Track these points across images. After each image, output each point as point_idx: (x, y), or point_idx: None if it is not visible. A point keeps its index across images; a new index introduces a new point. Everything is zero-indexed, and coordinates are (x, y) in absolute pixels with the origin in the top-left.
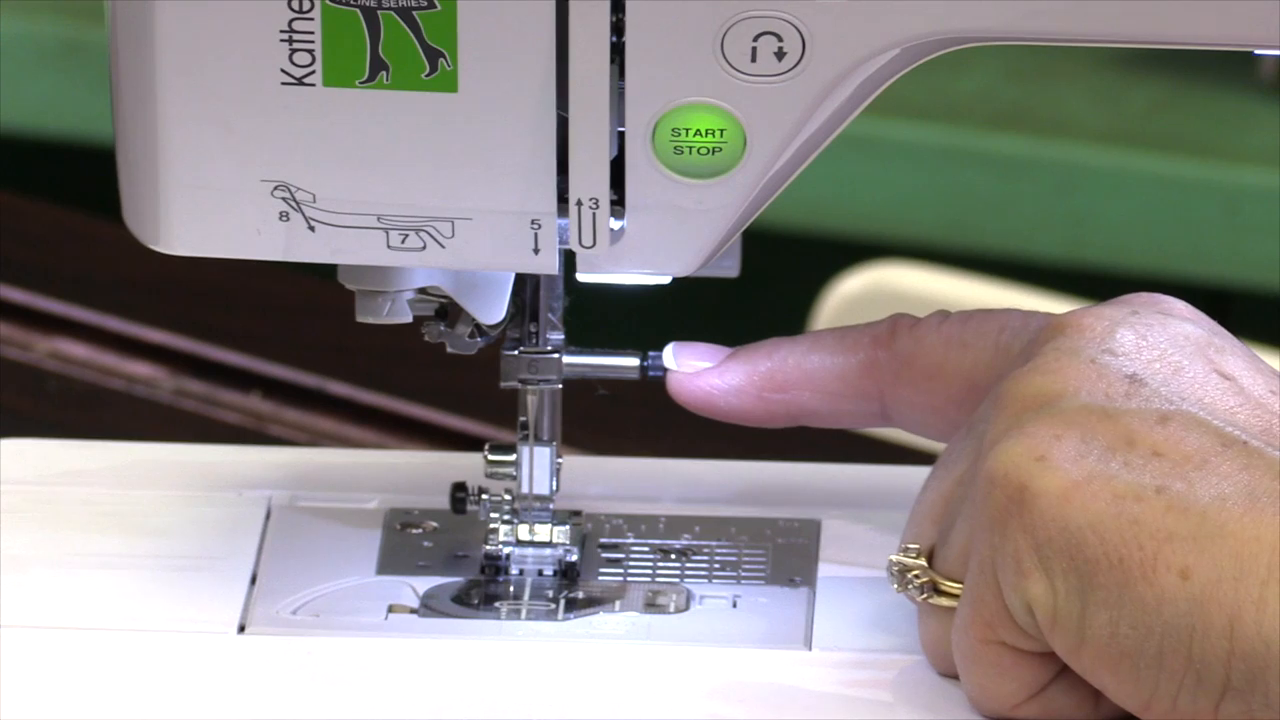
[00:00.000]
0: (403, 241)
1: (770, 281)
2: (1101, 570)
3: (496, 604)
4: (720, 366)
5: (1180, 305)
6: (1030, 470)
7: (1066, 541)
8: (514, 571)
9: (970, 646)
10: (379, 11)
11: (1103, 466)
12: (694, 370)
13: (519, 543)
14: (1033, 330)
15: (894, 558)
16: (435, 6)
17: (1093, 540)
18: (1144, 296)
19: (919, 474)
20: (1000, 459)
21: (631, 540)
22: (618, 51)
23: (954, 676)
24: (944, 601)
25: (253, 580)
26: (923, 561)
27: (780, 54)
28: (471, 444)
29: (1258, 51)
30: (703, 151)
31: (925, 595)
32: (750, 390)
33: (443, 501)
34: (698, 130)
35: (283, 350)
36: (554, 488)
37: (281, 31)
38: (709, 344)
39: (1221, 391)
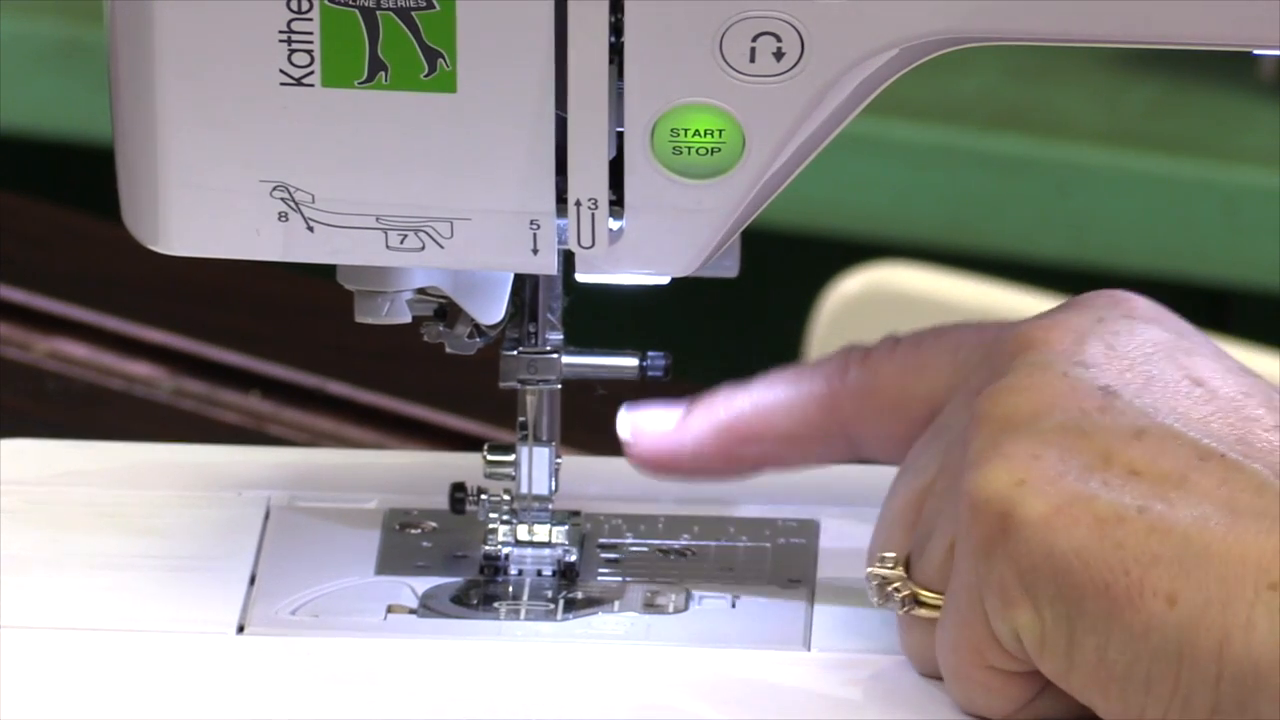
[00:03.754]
0: (401, 242)
1: (770, 281)
2: (1088, 597)
3: (495, 604)
4: (679, 428)
5: (1143, 304)
6: (1012, 497)
7: (1052, 569)
8: (513, 572)
9: (958, 667)
10: (378, 12)
11: (1082, 487)
12: (651, 435)
13: (518, 543)
14: (988, 340)
15: (872, 570)
16: (434, 7)
17: (1078, 567)
18: (1105, 297)
19: None
20: (981, 483)
21: (630, 540)
22: (616, 52)
23: (938, 677)
24: (926, 613)
25: (252, 580)
26: (902, 573)
27: (779, 54)
28: (470, 444)
29: (1258, 51)
30: (702, 152)
31: (906, 608)
32: (714, 449)
33: (442, 502)
34: (697, 130)
35: (282, 350)
36: (553, 488)
37: (280, 32)
38: (660, 403)
39: (1194, 400)
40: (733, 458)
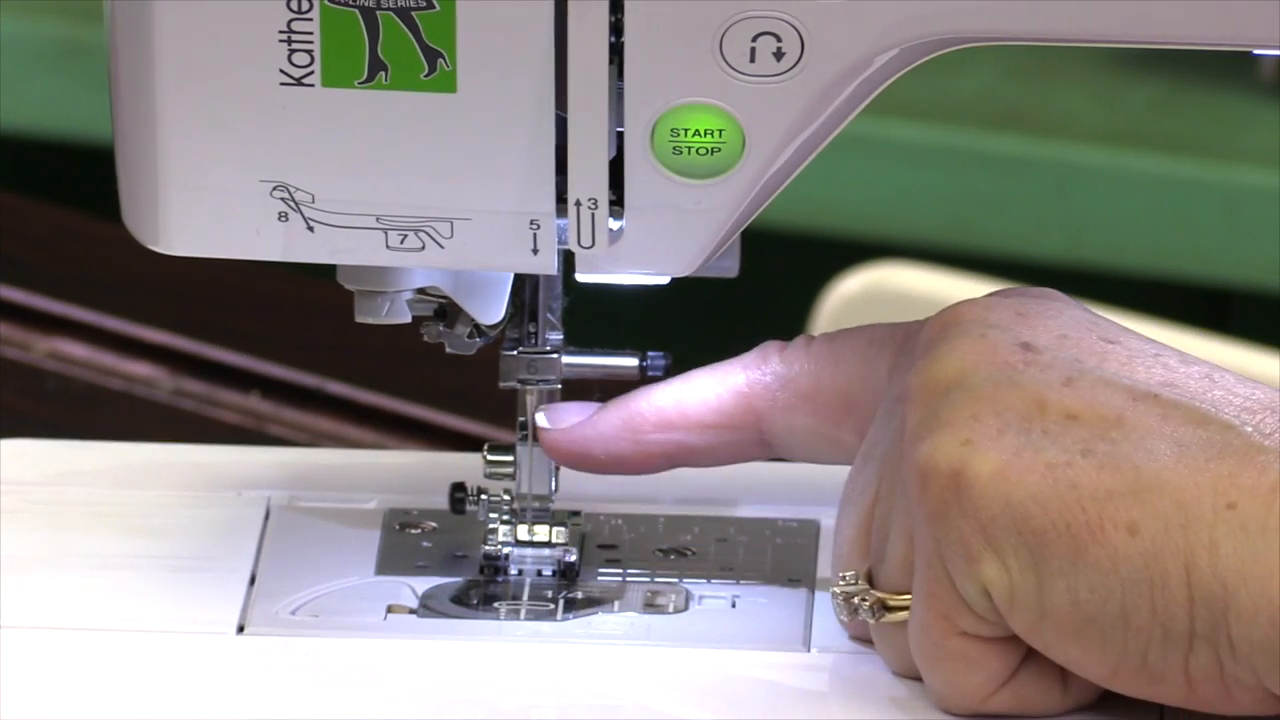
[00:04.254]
0: (402, 242)
1: (769, 281)
2: (1050, 540)
3: (495, 604)
4: (593, 417)
5: (1048, 290)
6: (960, 455)
7: (1011, 518)
8: (513, 572)
9: (932, 645)
10: (378, 12)
11: (1025, 438)
12: (565, 425)
13: (518, 543)
14: (900, 336)
15: (836, 589)
16: (434, 7)
17: (1036, 512)
18: (1012, 288)
19: None
20: (927, 452)
21: (630, 540)
22: (616, 52)
23: (919, 677)
24: (896, 616)
25: (252, 581)
26: (864, 585)
27: (779, 54)
28: (470, 444)
29: (1258, 51)
30: (702, 152)
31: (877, 616)
32: (625, 436)
33: (442, 502)
34: (697, 130)
35: (282, 350)
36: (553, 488)
37: (280, 32)
38: (579, 402)
39: (1112, 354)
40: (642, 445)
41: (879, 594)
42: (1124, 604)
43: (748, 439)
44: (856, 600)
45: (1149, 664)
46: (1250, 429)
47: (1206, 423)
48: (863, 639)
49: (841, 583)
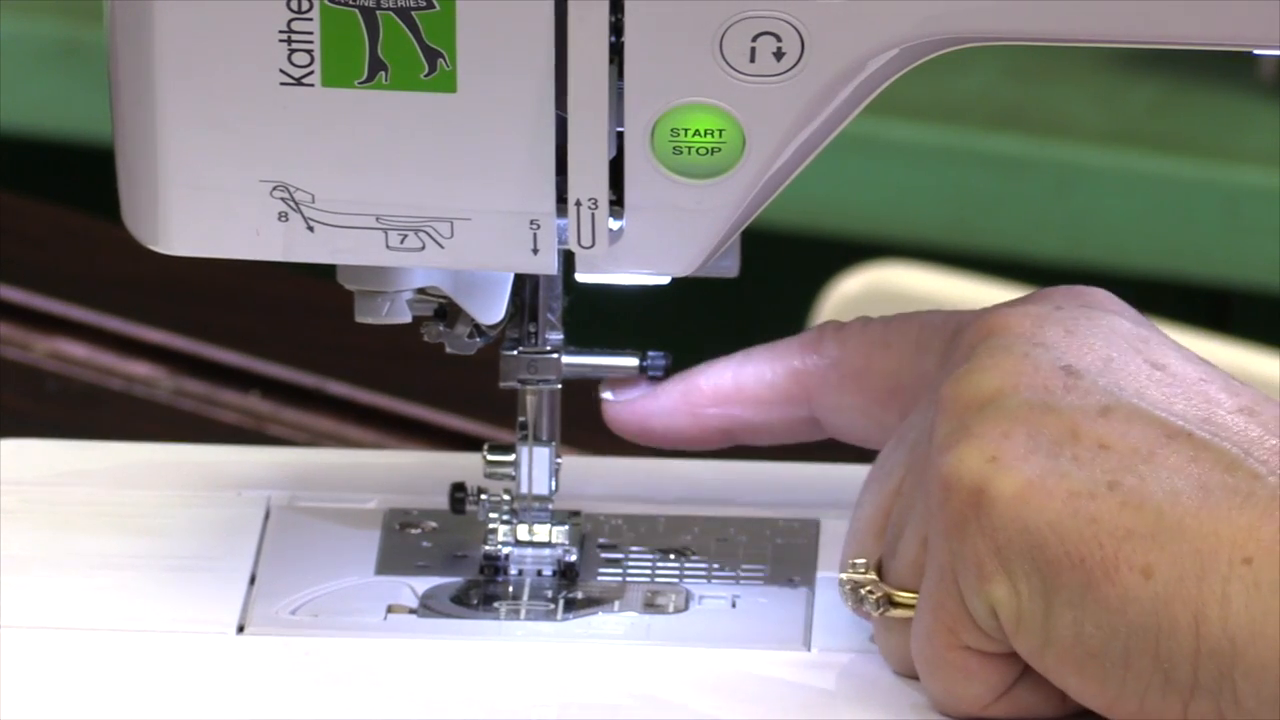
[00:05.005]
0: (402, 242)
1: (770, 281)
2: (1064, 570)
3: (495, 604)
4: (654, 391)
5: (1103, 296)
6: (985, 473)
7: (1027, 543)
8: (513, 572)
9: (934, 653)
10: (378, 12)
11: (1053, 463)
12: (626, 398)
13: (518, 543)
14: (952, 326)
15: (844, 576)
16: (434, 7)
17: (1053, 540)
18: (1066, 290)
19: None
20: (953, 464)
21: (631, 540)
22: (617, 52)
23: (916, 676)
24: (900, 613)
25: (252, 580)
26: (873, 576)
27: (779, 54)
28: (470, 444)
29: (1258, 51)
30: (702, 152)
31: (881, 610)
32: (684, 409)
33: (442, 502)
34: (697, 130)
35: (282, 350)
36: (553, 488)
37: (280, 32)
38: (644, 380)
39: (1155, 382)
40: (699, 419)
41: (887, 588)
42: (1128, 645)
43: (800, 416)
44: (864, 591)
45: (1147, 706)
46: (1276, 479)
47: (1235, 468)
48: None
49: (851, 569)
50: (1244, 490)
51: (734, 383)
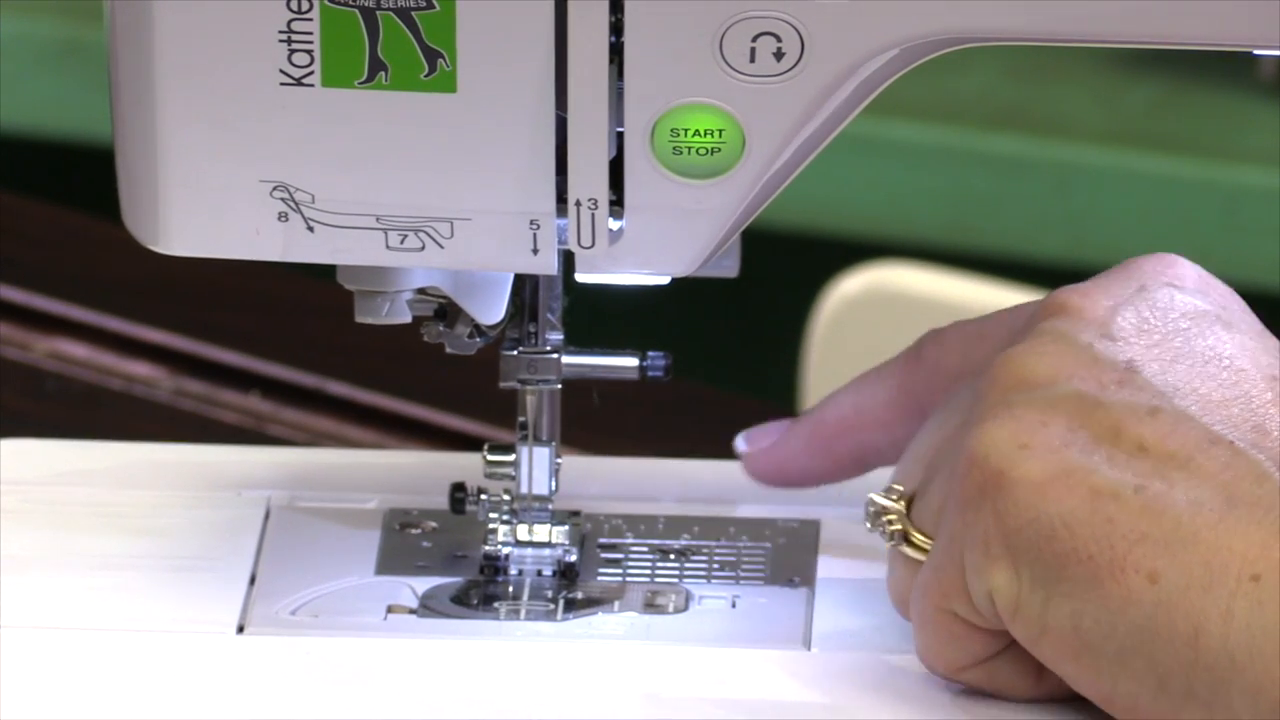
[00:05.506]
0: (402, 242)
1: (770, 281)
2: (1069, 565)
3: (495, 604)
4: (784, 435)
5: (1190, 273)
6: (1012, 457)
7: (1036, 533)
8: (513, 572)
9: (925, 610)
10: (378, 12)
11: (1085, 459)
12: (760, 446)
13: (518, 543)
14: (1035, 308)
15: (873, 496)
16: (434, 7)
17: (1064, 534)
18: (1154, 262)
19: None
20: (984, 440)
21: (630, 540)
22: (616, 52)
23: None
24: (912, 552)
25: (252, 580)
26: (901, 507)
27: (779, 54)
28: (470, 444)
29: (1258, 51)
30: (702, 152)
31: (895, 542)
32: (816, 447)
33: (442, 502)
34: (697, 130)
35: (282, 350)
36: (553, 488)
37: (280, 32)
38: (774, 423)
39: (1217, 382)
40: (835, 454)
41: (908, 524)
42: (1124, 645)
43: (916, 427)
44: (885, 519)
45: (1140, 707)
46: None
47: (1264, 482)
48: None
49: (884, 493)
50: (1266, 504)
51: (854, 410)
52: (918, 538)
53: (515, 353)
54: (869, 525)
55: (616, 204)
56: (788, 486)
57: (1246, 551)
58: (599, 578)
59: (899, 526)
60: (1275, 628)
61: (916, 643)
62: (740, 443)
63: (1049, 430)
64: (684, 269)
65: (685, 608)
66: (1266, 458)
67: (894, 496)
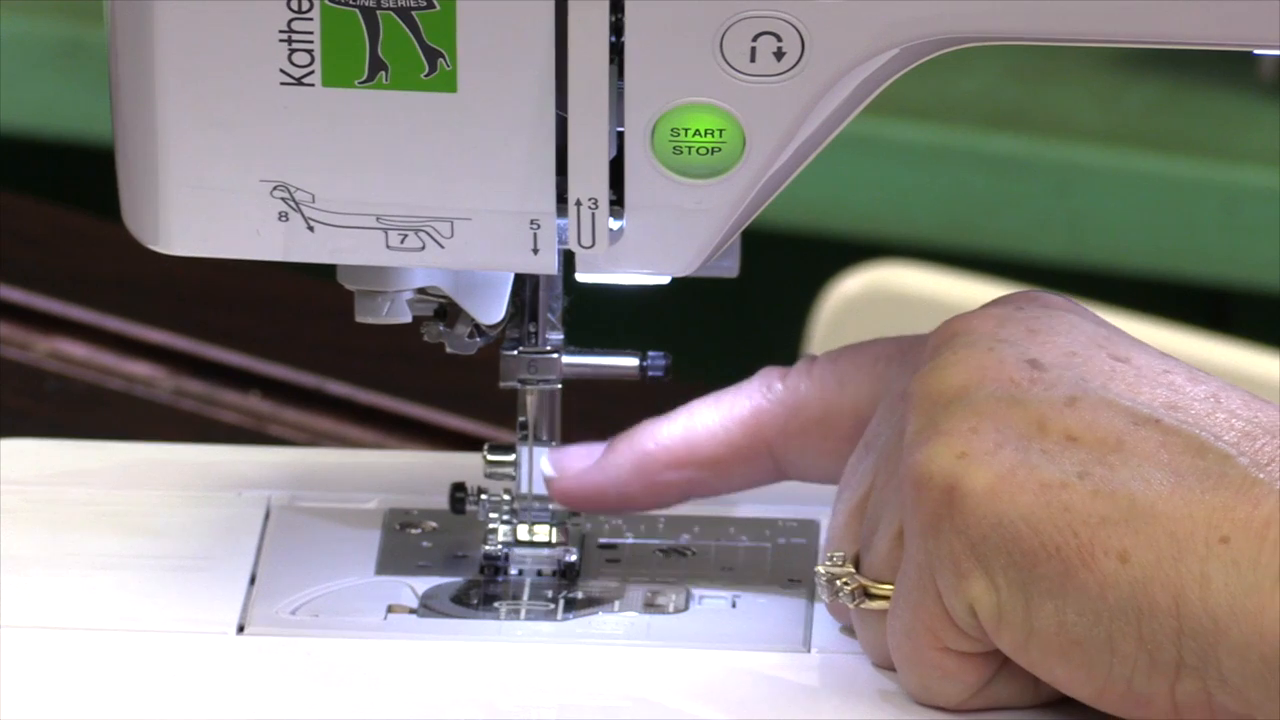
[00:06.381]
0: (402, 242)
1: (770, 281)
2: (1040, 561)
3: (496, 604)
4: (602, 460)
5: (1060, 300)
6: (955, 469)
7: (1001, 537)
8: (513, 572)
9: (912, 651)
10: (378, 12)
11: (1023, 456)
12: (573, 471)
13: (518, 543)
14: (905, 347)
15: (821, 568)
16: (434, 7)
17: (1027, 533)
18: (1025, 294)
19: None
20: (924, 462)
21: (631, 540)
22: (617, 51)
23: (893, 669)
24: (876, 604)
25: (252, 580)
26: (850, 569)
27: (779, 54)
28: (471, 444)
29: (1258, 51)
30: (702, 151)
31: (857, 601)
32: (637, 478)
33: (442, 501)
34: (697, 130)
35: (282, 350)
36: None
37: (280, 32)
38: (584, 444)
39: (1119, 374)
40: (655, 486)
41: (862, 580)
42: (1110, 630)
43: (760, 468)
44: (839, 583)
45: (1134, 689)
46: (1247, 460)
47: (1204, 452)
48: (852, 632)
49: (828, 563)
50: (1215, 472)
51: (686, 444)
52: (878, 588)
53: (515, 353)
54: (825, 598)
55: (616, 204)
56: (604, 512)
57: (1209, 517)
58: (599, 578)
59: (855, 585)
60: (1253, 584)
61: (910, 687)
62: (547, 467)
63: (980, 435)
64: (684, 269)
65: (685, 608)
66: (1199, 429)
67: (839, 561)
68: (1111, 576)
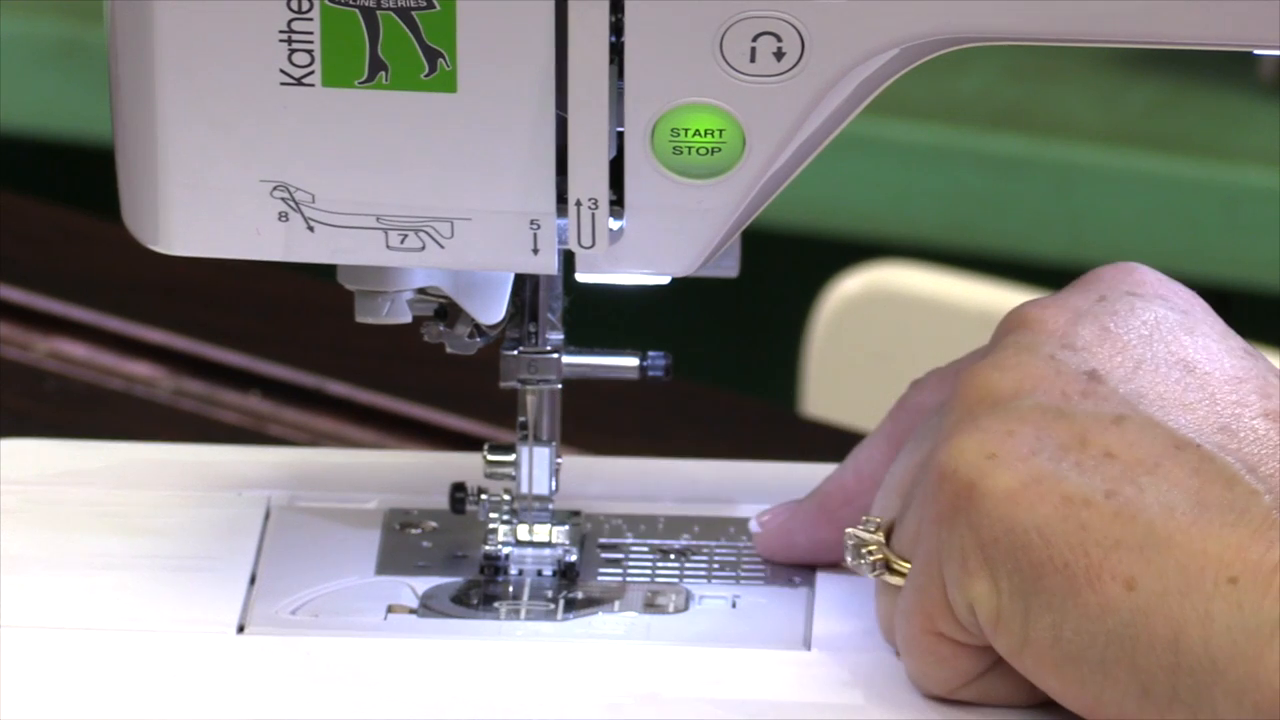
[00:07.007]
0: (402, 242)
1: (770, 281)
2: (1046, 574)
3: (496, 604)
4: (792, 512)
5: (1152, 279)
6: (981, 468)
7: (1012, 543)
8: (513, 572)
9: (910, 634)
10: (378, 12)
11: (1053, 467)
12: (770, 525)
13: (518, 543)
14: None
15: (852, 530)
16: (434, 7)
17: (1038, 543)
18: (1113, 271)
19: None
20: (952, 454)
21: (631, 540)
22: (617, 52)
23: (895, 653)
24: (895, 580)
25: (252, 580)
26: (880, 537)
27: (779, 54)
28: (471, 444)
29: (1258, 51)
30: (702, 152)
31: (878, 572)
32: (822, 518)
33: (442, 501)
34: (697, 130)
35: (282, 350)
36: (553, 488)
37: (280, 32)
38: (785, 503)
39: (1182, 387)
40: (836, 523)
41: (888, 553)
42: (1105, 654)
43: None
44: (864, 550)
45: (1125, 714)
46: (1271, 499)
47: (1234, 484)
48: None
49: (861, 526)
50: (1239, 507)
51: (854, 476)
52: (899, 564)
53: (515, 353)
54: (849, 560)
55: (617, 204)
56: (799, 562)
57: (1222, 554)
58: (599, 578)
59: (879, 556)
60: (1255, 629)
61: (907, 667)
62: (753, 524)
63: (1016, 440)
64: (684, 269)
65: (685, 608)
66: (1235, 460)
67: (871, 528)
68: (1114, 601)
